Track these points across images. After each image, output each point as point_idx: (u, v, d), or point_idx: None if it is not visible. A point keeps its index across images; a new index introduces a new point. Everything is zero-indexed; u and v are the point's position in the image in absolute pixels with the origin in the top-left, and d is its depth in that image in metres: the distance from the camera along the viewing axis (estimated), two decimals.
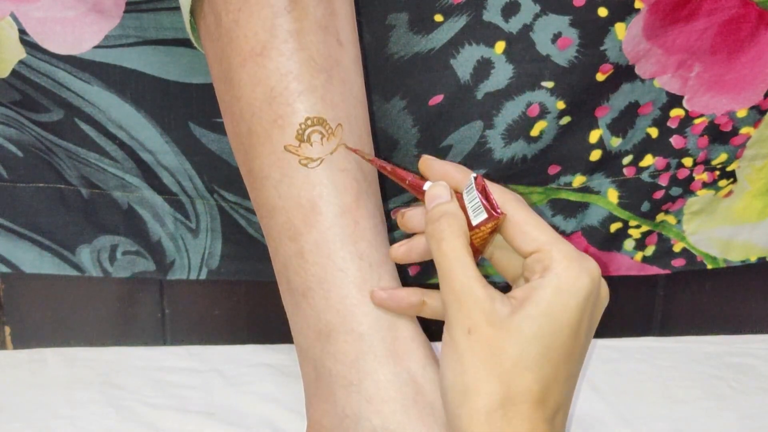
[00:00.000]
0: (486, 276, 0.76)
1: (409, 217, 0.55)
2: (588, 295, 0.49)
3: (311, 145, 0.54)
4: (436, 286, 0.72)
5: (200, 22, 0.57)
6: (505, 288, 0.51)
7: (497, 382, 0.47)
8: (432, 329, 0.75)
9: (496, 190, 0.52)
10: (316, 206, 0.54)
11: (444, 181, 0.53)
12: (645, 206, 0.76)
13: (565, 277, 0.49)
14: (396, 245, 0.55)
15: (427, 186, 0.53)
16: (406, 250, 0.55)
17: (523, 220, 0.51)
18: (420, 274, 0.78)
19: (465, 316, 0.49)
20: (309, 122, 0.54)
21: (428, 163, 0.54)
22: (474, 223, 0.50)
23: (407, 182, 0.54)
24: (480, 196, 0.50)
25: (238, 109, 0.55)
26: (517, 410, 0.47)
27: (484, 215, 0.50)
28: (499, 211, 0.50)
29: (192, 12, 0.57)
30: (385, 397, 0.53)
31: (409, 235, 0.56)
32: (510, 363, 0.47)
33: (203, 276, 0.78)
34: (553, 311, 0.48)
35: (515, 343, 0.48)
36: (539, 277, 0.49)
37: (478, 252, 0.51)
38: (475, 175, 0.51)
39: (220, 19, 0.55)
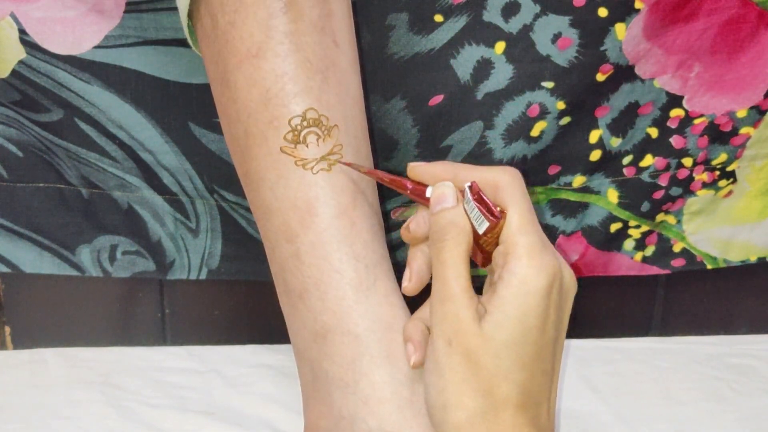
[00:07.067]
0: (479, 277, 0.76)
1: (415, 228, 0.54)
2: (548, 291, 0.48)
3: (307, 146, 0.54)
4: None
5: (197, 24, 0.57)
6: None
7: (476, 394, 0.48)
8: None
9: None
10: (312, 207, 0.54)
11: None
12: (645, 206, 0.76)
13: (523, 276, 0.48)
14: (405, 281, 0.54)
15: (429, 192, 0.53)
16: (417, 282, 0.54)
17: None
18: None
19: (447, 325, 0.49)
20: (305, 123, 0.54)
21: (416, 170, 0.53)
22: (480, 231, 0.50)
23: (408, 191, 0.53)
24: (478, 205, 0.50)
25: (234, 111, 0.55)
26: (499, 419, 0.48)
27: (487, 223, 0.50)
28: (498, 213, 0.50)
29: (189, 15, 0.57)
30: (381, 398, 0.53)
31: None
32: (487, 374, 0.48)
33: (203, 276, 0.78)
34: (518, 315, 0.48)
35: (489, 352, 0.48)
36: (501, 275, 0.49)
37: (489, 256, 0.51)
38: (469, 183, 0.51)
39: (216, 21, 0.55)
